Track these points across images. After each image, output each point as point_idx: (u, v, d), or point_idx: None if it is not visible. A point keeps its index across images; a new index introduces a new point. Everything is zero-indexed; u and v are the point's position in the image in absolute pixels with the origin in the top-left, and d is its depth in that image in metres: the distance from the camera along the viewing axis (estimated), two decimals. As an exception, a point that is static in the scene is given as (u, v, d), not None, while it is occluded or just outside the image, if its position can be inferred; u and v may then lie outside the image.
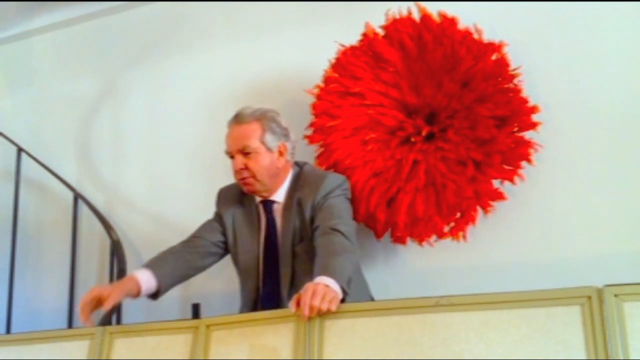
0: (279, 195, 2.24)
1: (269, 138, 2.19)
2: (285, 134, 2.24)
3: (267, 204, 2.25)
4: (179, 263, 2.20)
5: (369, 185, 2.49)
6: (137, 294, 2.07)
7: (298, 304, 1.72)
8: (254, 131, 2.18)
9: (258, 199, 2.27)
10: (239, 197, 2.31)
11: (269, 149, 2.19)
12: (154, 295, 2.14)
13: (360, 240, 2.58)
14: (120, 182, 3.32)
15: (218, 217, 2.34)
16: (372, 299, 2.28)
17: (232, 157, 2.22)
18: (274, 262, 2.21)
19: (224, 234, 2.30)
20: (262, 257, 2.24)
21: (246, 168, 2.17)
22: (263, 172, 2.18)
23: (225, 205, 2.33)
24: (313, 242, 2.09)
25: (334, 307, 1.72)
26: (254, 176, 2.17)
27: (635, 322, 1.46)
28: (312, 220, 2.15)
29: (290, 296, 2.09)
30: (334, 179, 2.23)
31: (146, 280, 2.08)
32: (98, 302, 1.99)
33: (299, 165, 2.31)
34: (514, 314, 1.56)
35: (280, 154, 2.22)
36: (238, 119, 2.21)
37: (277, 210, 2.24)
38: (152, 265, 2.15)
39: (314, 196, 2.16)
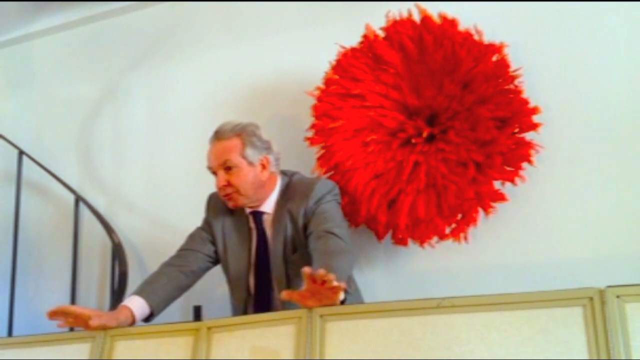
0: (268, 206, 2.24)
1: (250, 152, 2.19)
2: (266, 147, 2.24)
3: (257, 215, 2.25)
4: (172, 284, 2.20)
5: (370, 187, 2.49)
6: (131, 323, 2.08)
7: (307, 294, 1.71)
8: (234, 146, 2.18)
9: (248, 209, 2.27)
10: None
11: (250, 163, 2.19)
12: (147, 319, 2.14)
13: (361, 242, 2.60)
14: (122, 184, 3.32)
15: (207, 225, 2.34)
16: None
17: (214, 173, 2.22)
18: (266, 272, 2.21)
19: (214, 242, 2.30)
20: (253, 267, 2.24)
21: (229, 184, 2.18)
22: (246, 187, 2.18)
23: (215, 212, 2.33)
24: (308, 248, 2.09)
25: (341, 297, 1.72)
26: (237, 191, 2.18)
27: (637, 323, 1.45)
28: (305, 227, 2.15)
29: (285, 304, 2.09)
30: (323, 185, 2.23)
31: (139, 308, 2.09)
32: (77, 319, 1.99)
33: (288, 175, 2.31)
34: (515, 315, 1.56)
35: (263, 167, 2.22)
36: (218, 136, 2.22)
37: (267, 221, 2.24)
38: (144, 291, 2.15)
39: (305, 204, 2.16)
